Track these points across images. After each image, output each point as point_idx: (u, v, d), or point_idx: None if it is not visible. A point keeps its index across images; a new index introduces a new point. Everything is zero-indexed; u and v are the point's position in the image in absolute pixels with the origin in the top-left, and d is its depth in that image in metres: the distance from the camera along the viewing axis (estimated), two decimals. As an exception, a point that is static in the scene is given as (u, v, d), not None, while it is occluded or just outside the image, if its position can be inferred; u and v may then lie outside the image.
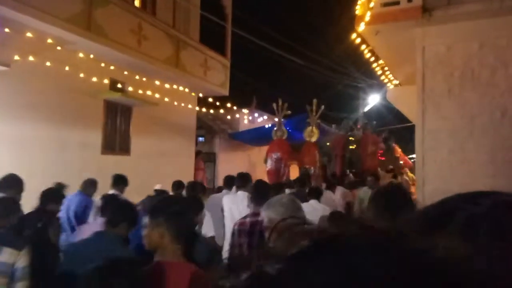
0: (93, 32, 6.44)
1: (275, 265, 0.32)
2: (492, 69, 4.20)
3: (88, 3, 6.37)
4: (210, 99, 9.05)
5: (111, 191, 4.72)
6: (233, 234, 3.12)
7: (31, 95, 6.22)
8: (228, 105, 9.31)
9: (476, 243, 0.47)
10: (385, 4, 4.50)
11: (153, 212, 1.84)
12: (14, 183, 3.73)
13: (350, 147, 10.47)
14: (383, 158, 9.65)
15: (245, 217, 3.19)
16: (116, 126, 7.98)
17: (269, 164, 7.90)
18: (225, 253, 3.63)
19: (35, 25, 5.68)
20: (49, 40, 5.99)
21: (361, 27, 4.52)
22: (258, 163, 12.63)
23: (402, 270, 0.30)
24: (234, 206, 4.11)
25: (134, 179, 5.89)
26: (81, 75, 6.47)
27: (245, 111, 11.31)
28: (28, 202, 3.58)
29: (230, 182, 5.07)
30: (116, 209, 2.55)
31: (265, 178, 7.13)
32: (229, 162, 11.75)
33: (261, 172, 10.11)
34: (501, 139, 4.07)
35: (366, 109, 16.00)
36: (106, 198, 3.79)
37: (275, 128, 8.51)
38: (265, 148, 13.20)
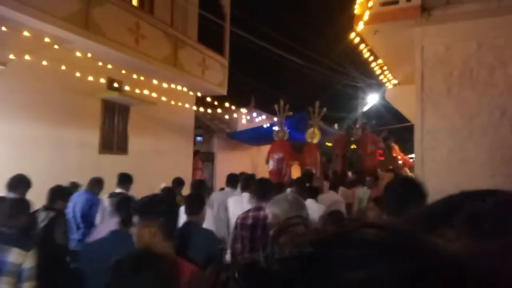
0: (90, 31, 6.40)
1: (281, 265, 0.31)
2: (490, 68, 4.20)
3: (86, 2, 6.33)
4: (208, 99, 9.01)
5: (117, 190, 4.80)
6: (235, 227, 3.20)
7: (28, 94, 6.18)
8: (227, 104, 9.27)
9: (482, 241, 0.48)
10: (384, 4, 4.49)
11: (144, 211, 1.84)
12: (22, 183, 3.87)
13: (351, 147, 10.49)
14: (382, 158, 9.67)
15: (247, 211, 3.26)
16: (114, 125, 7.94)
17: (271, 165, 7.93)
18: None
19: (32, 23, 5.64)
20: (46, 39, 5.95)
21: (360, 27, 4.51)
22: (257, 162, 12.61)
23: (405, 268, 0.29)
24: (239, 207, 4.15)
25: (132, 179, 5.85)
26: (79, 74, 6.43)
27: (243, 110, 11.28)
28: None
29: (233, 180, 5.13)
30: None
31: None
32: (228, 162, 11.73)
33: (260, 171, 10.09)
34: (500, 139, 4.06)
35: (365, 109, 16.03)
36: (120, 198, 3.78)
37: (276, 129, 8.52)
38: (264, 148, 13.20)
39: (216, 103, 9.05)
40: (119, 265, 1.41)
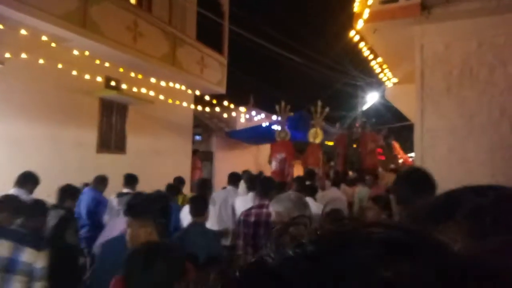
0: (88, 29, 6.36)
1: (284, 265, 0.31)
2: (490, 67, 4.18)
3: (84, 0, 6.29)
4: (207, 97, 8.98)
5: (124, 190, 4.97)
6: (238, 223, 3.31)
7: (25, 93, 6.14)
8: (225, 103, 9.23)
9: (484, 236, 0.48)
10: (384, 2, 4.46)
11: (139, 211, 1.86)
12: (30, 179, 4.03)
13: (353, 146, 10.51)
14: (383, 157, 9.68)
15: (250, 208, 3.36)
16: (112, 124, 7.90)
17: (274, 165, 7.97)
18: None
19: (29, 22, 5.60)
20: (44, 38, 5.91)
21: (360, 25, 4.48)
22: (256, 161, 12.59)
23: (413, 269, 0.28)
24: (247, 206, 4.25)
25: (130, 178, 5.82)
26: (76, 73, 6.39)
27: (242, 109, 11.25)
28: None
29: (235, 179, 5.24)
30: None
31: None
32: (227, 161, 11.70)
33: (259, 170, 10.06)
34: (500, 138, 4.05)
35: (365, 107, 16.01)
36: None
37: (278, 129, 8.54)
38: (263, 147, 13.18)
39: (214, 101, 9.01)
40: (132, 258, 1.45)
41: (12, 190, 3.89)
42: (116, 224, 3.11)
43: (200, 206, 3.14)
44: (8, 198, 2.90)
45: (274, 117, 10.20)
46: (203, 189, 4.47)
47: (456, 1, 4.17)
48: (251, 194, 4.40)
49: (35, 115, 6.31)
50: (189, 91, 8.98)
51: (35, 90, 6.26)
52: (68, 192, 3.85)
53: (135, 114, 8.31)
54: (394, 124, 14.12)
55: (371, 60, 5.49)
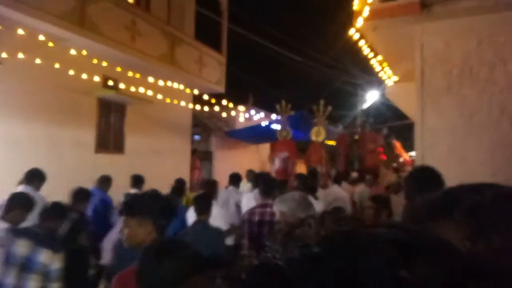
0: (86, 29, 6.32)
1: (291, 265, 0.31)
2: (490, 66, 4.16)
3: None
4: (206, 97, 8.94)
5: (132, 190, 5.14)
6: (242, 223, 3.38)
7: (23, 93, 6.11)
8: (224, 102, 9.20)
9: (482, 234, 0.48)
10: (383, 0, 4.43)
11: (137, 210, 1.86)
12: (36, 176, 4.15)
13: (354, 145, 10.52)
14: (384, 157, 9.67)
15: (254, 207, 3.44)
16: (110, 124, 7.87)
17: (277, 164, 7.98)
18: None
19: (27, 21, 5.57)
20: (41, 37, 5.88)
21: (359, 23, 4.45)
22: (255, 161, 12.56)
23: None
24: (252, 204, 4.41)
25: (128, 178, 5.80)
26: (74, 72, 6.35)
27: (241, 108, 11.21)
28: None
29: (236, 179, 5.33)
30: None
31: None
32: (226, 161, 11.67)
33: (260, 170, 10.03)
34: (500, 137, 4.02)
35: (365, 106, 15.99)
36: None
37: (279, 128, 8.55)
38: (262, 146, 13.16)
39: (213, 101, 8.98)
40: (145, 253, 1.49)
41: (19, 188, 3.97)
42: None
43: (203, 205, 3.22)
44: (19, 195, 2.98)
45: (273, 116, 10.18)
46: (209, 189, 4.57)
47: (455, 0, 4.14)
48: (256, 191, 4.53)
49: (32, 115, 6.28)
50: (188, 91, 8.95)
51: (32, 90, 6.23)
52: (81, 196, 3.94)
53: (133, 113, 8.27)
54: (394, 123, 14.11)
55: (371, 58, 5.46)
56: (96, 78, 6.79)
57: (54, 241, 2.53)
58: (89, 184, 5.50)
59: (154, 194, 2.92)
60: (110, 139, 7.86)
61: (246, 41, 10.52)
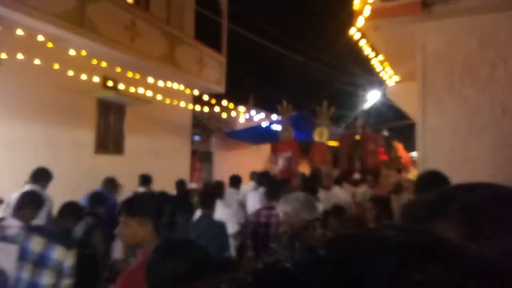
0: (85, 29, 6.30)
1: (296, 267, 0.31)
2: (492, 65, 4.13)
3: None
4: (206, 97, 8.92)
5: (140, 189, 5.30)
6: (247, 224, 3.46)
7: (22, 94, 6.08)
8: (224, 103, 9.18)
9: (475, 231, 0.49)
10: (384, -1, 4.41)
11: (138, 210, 1.87)
12: (43, 175, 4.24)
13: (355, 146, 10.51)
14: (385, 158, 9.65)
15: (260, 209, 3.49)
16: (109, 125, 7.84)
17: (281, 164, 7.98)
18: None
19: (26, 21, 5.54)
20: (40, 37, 5.85)
21: (360, 23, 4.43)
22: (256, 162, 12.53)
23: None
24: (258, 202, 4.48)
25: (128, 179, 5.78)
26: (73, 73, 6.33)
27: (242, 109, 11.19)
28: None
29: (236, 181, 5.35)
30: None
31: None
32: (226, 162, 11.64)
33: (260, 170, 9.99)
34: (502, 137, 4.00)
35: (366, 106, 15.96)
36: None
37: (280, 129, 8.55)
38: (263, 147, 13.13)
39: (213, 101, 8.95)
40: (153, 251, 1.53)
41: (26, 187, 4.01)
42: None
43: (207, 199, 3.41)
44: (30, 194, 3.07)
45: (274, 117, 10.15)
46: (214, 187, 4.68)
47: (457, -2, 4.11)
48: (262, 189, 4.59)
49: (32, 116, 6.25)
50: (188, 91, 8.92)
51: (31, 91, 6.20)
52: (98, 199, 4.01)
53: (133, 114, 8.24)
54: (395, 123, 14.07)
55: (372, 58, 5.44)
56: (96, 79, 6.77)
57: (67, 238, 2.61)
58: (88, 184, 5.48)
59: (153, 195, 2.96)
60: (109, 140, 7.84)
61: (246, 41, 10.50)
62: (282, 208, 2.27)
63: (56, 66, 6.03)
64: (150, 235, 1.84)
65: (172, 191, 5.40)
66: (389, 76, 6.40)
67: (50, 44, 5.94)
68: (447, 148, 4.13)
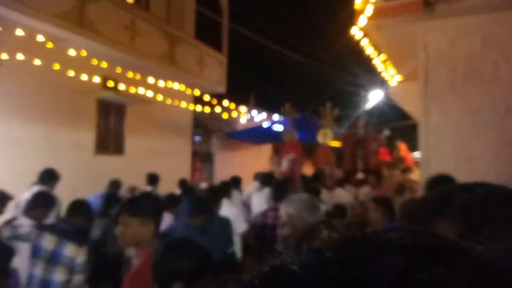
0: (85, 28, 6.29)
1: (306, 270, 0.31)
2: (495, 64, 4.10)
3: (80, -1, 6.22)
4: (207, 97, 8.88)
5: (147, 188, 5.36)
6: (255, 225, 3.45)
7: (22, 94, 6.07)
8: (225, 103, 9.14)
9: (473, 230, 0.50)
10: (386, -2, 4.38)
11: (138, 210, 1.88)
12: (50, 176, 4.27)
13: (358, 146, 10.48)
14: (388, 158, 9.61)
15: (266, 210, 3.49)
16: (110, 125, 7.82)
17: (284, 166, 7.97)
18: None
19: (26, 22, 5.53)
20: (40, 37, 5.84)
21: (362, 22, 4.40)
22: (257, 162, 12.49)
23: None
24: (263, 203, 4.50)
25: (128, 180, 5.76)
26: (73, 73, 6.31)
27: (243, 109, 11.16)
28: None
29: (237, 182, 5.37)
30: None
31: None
32: (227, 162, 11.61)
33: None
34: (505, 137, 3.96)
35: (369, 106, 15.92)
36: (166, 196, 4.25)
37: (284, 131, 8.53)
38: (264, 148, 13.10)
39: (214, 101, 8.92)
40: (162, 247, 1.58)
41: (34, 188, 4.05)
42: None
43: (213, 197, 3.48)
44: (42, 194, 3.16)
45: (275, 117, 10.11)
46: (220, 187, 4.67)
47: (459, -3, 4.08)
48: (267, 189, 4.59)
49: (32, 116, 6.24)
50: (189, 91, 8.90)
51: (31, 91, 6.19)
52: (114, 199, 4.03)
53: (133, 114, 8.22)
54: (397, 123, 14.02)
55: (374, 57, 5.41)
56: (96, 79, 6.75)
57: (79, 235, 2.66)
58: (89, 185, 5.46)
59: (152, 195, 2.98)
60: (109, 140, 7.82)
61: (247, 40, 10.48)
62: (285, 210, 2.25)
63: (56, 66, 6.02)
64: (153, 236, 1.85)
65: (173, 191, 5.37)
66: (391, 76, 6.37)
67: (50, 44, 5.92)
68: (449, 148, 4.10)
